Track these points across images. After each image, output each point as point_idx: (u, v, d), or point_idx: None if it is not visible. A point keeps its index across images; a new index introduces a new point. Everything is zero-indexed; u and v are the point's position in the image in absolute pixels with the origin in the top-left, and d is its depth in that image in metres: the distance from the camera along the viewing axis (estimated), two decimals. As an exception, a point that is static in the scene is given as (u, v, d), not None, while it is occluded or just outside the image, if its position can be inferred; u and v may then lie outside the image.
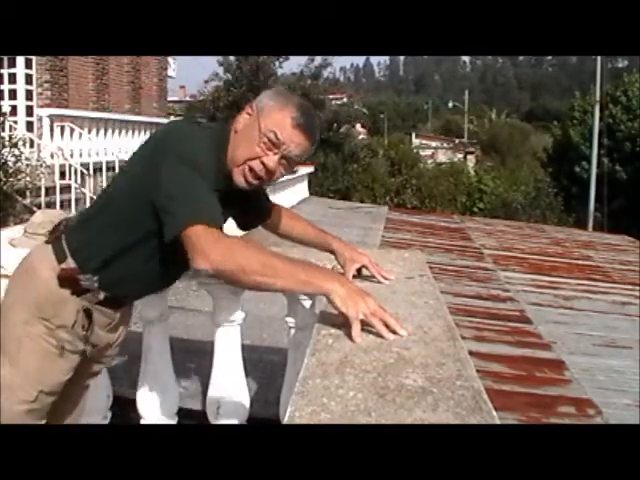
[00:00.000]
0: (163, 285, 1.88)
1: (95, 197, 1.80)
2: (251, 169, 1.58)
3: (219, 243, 1.38)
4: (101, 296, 1.67)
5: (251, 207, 1.80)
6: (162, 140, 1.59)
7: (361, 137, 23.50)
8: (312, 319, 2.08)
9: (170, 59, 18.29)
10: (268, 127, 1.55)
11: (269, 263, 1.37)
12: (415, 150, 28.79)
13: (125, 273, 1.66)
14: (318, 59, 15.93)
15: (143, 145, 1.68)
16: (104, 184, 11.07)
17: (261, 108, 1.59)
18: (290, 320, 2.45)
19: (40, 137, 11.11)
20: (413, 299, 1.62)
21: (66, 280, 1.64)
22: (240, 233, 1.88)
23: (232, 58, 15.12)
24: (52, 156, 10.25)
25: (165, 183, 1.47)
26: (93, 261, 1.64)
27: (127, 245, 1.62)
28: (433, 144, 42.97)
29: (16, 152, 8.89)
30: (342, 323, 1.37)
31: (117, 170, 10.89)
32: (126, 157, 11.58)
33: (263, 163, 1.57)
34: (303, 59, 16.95)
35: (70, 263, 1.64)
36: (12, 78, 11.66)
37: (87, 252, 1.65)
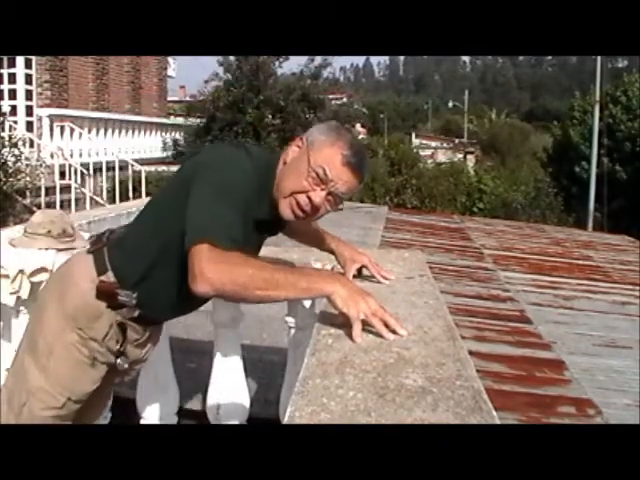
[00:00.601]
0: (196, 306, 1.85)
1: (139, 210, 1.78)
2: (297, 202, 1.56)
3: (219, 264, 1.35)
4: (136, 313, 1.67)
5: (275, 229, 1.78)
6: (203, 162, 1.58)
7: (361, 137, 23.48)
8: (312, 319, 2.08)
9: (170, 59, 18.31)
10: (318, 162, 1.54)
11: (269, 277, 1.36)
12: (415, 150, 28.75)
13: (161, 293, 1.66)
14: (318, 59, 15.89)
15: (187, 163, 1.69)
16: (104, 184, 11.09)
17: (312, 142, 1.57)
18: (290, 320, 2.45)
19: (40, 137, 11.13)
20: (413, 299, 1.62)
21: (104, 293, 1.63)
22: None
23: (232, 58, 15.09)
24: (52, 156, 10.27)
25: (191, 204, 1.46)
26: (132, 278, 1.64)
27: (164, 265, 1.61)
28: (433, 144, 42.94)
29: (16, 152, 8.90)
30: (342, 323, 1.37)
31: (117, 170, 10.90)
32: (126, 157, 11.61)
33: (309, 198, 1.55)
34: (303, 59, 16.92)
35: (110, 277, 1.64)
36: (12, 78, 11.67)
37: (127, 268, 1.65)
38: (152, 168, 11.63)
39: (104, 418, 2.53)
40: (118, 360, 1.71)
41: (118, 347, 1.69)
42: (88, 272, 1.65)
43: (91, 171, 10.54)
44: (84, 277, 1.66)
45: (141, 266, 1.64)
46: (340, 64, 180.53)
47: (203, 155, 1.66)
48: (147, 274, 1.63)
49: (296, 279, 1.38)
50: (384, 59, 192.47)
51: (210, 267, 1.35)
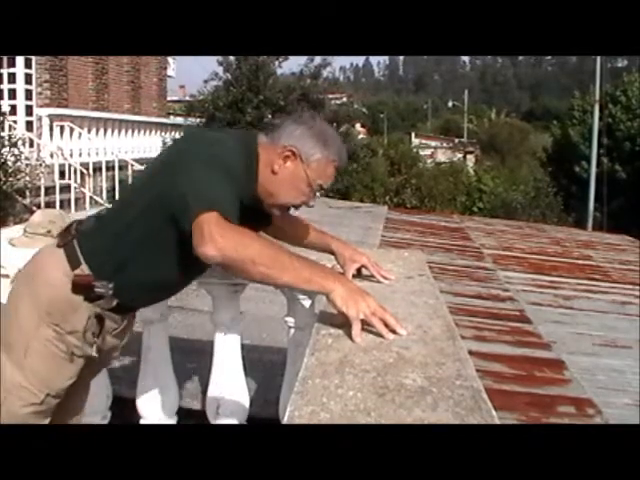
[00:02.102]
0: (174, 291, 1.86)
1: (110, 201, 1.79)
2: (294, 208, 1.69)
3: (231, 232, 1.37)
4: (113, 303, 1.66)
5: (261, 219, 1.80)
6: (185, 145, 1.61)
7: (361, 137, 23.47)
8: (312, 319, 2.08)
9: (170, 59, 18.30)
10: (317, 181, 1.65)
11: (277, 257, 1.38)
12: (415, 150, 28.73)
13: (138, 280, 1.65)
14: (318, 59, 15.89)
15: (164, 151, 1.70)
16: (104, 184, 11.09)
17: (307, 160, 1.63)
18: (290, 320, 2.45)
19: (40, 137, 11.12)
20: (413, 299, 1.62)
21: (80, 287, 1.62)
22: None
23: (232, 58, 15.09)
24: (52, 156, 10.26)
25: (187, 182, 1.47)
26: (107, 267, 1.63)
27: (142, 251, 1.61)
28: (433, 144, 42.94)
29: (16, 152, 8.89)
30: (342, 323, 1.37)
31: (117, 170, 10.90)
32: (126, 157, 11.61)
33: (305, 204, 1.69)
34: (303, 59, 16.93)
35: (85, 269, 1.62)
36: (12, 78, 11.66)
37: (101, 258, 1.64)
38: (152, 168, 11.59)
39: (104, 418, 2.53)
40: (93, 351, 1.69)
41: (95, 338, 1.67)
42: (60, 266, 1.63)
43: (91, 171, 10.52)
44: (56, 272, 1.64)
45: (117, 255, 1.63)
46: (340, 64, 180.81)
47: (185, 141, 1.68)
48: (123, 262, 1.62)
49: (300, 267, 1.39)
50: (384, 59, 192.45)
51: (221, 232, 1.36)
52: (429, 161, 27.94)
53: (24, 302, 1.66)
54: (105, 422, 2.53)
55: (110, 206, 1.77)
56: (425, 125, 63.57)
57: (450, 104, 71.27)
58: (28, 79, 11.82)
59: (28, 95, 11.79)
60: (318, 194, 1.70)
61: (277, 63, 15.74)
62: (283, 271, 1.37)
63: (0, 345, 1.67)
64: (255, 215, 1.66)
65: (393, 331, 1.33)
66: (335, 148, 1.67)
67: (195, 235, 1.38)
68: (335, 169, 1.67)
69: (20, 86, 11.68)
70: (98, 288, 1.62)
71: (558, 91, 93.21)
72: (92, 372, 1.84)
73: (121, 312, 1.72)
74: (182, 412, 2.57)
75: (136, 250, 1.62)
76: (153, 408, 2.50)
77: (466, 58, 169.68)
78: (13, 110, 11.14)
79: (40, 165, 9.61)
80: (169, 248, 1.59)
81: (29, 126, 11.46)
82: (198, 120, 15.33)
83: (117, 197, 1.86)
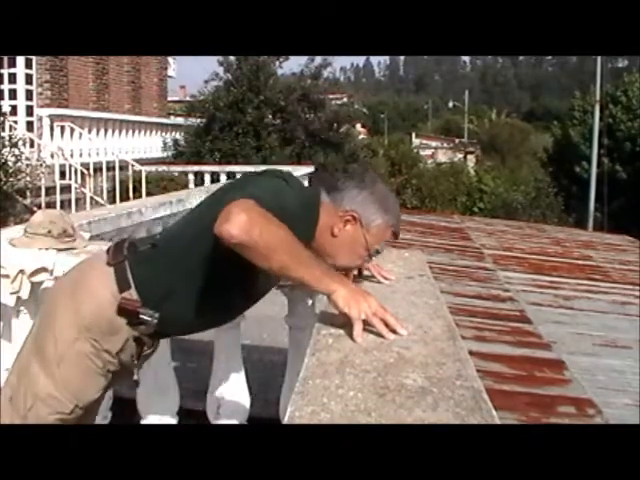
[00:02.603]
0: (212, 326, 1.87)
1: (166, 228, 1.79)
2: (348, 272, 1.70)
3: (259, 216, 1.38)
4: (154, 330, 1.64)
5: None
6: (246, 179, 1.64)
7: (361, 137, 23.47)
8: (312, 319, 2.08)
9: (170, 59, 18.30)
10: (374, 246, 1.66)
11: (298, 251, 1.40)
12: (415, 150, 28.78)
13: (183, 313, 1.64)
14: (318, 59, 15.91)
15: (224, 185, 1.72)
16: (104, 184, 11.09)
17: (367, 225, 1.64)
18: (290, 320, 2.45)
19: (40, 137, 11.12)
20: (413, 299, 1.62)
21: (126, 311, 1.60)
22: None
23: (232, 58, 15.10)
24: (52, 156, 10.27)
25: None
26: (155, 295, 1.61)
27: (191, 284, 1.60)
28: (433, 144, 42.93)
29: (16, 152, 8.90)
30: (342, 323, 1.37)
31: (117, 170, 10.90)
32: (127, 157, 11.61)
33: (360, 267, 1.74)
34: (303, 59, 16.94)
35: (133, 294, 1.60)
36: (12, 78, 11.67)
37: (151, 285, 1.62)
38: (152, 168, 11.61)
39: (104, 418, 2.53)
40: (135, 375, 1.70)
41: (131, 360, 1.67)
42: (108, 286, 1.61)
43: (91, 171, 10.53)
44: (103, 290, 1.62)
45: (167, 285, 1.61)
46: (340, 64, 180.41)
47: (250, 177, 1.68)
48: (172, 293, 1.61)
49: (314, 265, 1.41)
50: (384, 59, 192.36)
51: (249, 214, 1.37)
52: (430, 161, 27.97)
53: (64, 312, 1.64)
54: (105, 422, 2.53)
55: (165, 231, 1.76)
56: (426, 125, 63.56)
57: (451, 104, 71.29)
58: (29, 79, 11.82)
59: (29, 95, 11.79)
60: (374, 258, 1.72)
61: (277, 63, 15.76)
62: (300, 265, 1.39)
63: (33, 350, 1.67)
64: None
65: (394, 331, 1.33)
66: (394, 213, 1.69)
67: (220, 216, 1.38)
68: (392, 234, 1.70)
69: (21, 86, 11.68)
70: (143, 315, 1.60)
71: (558, 91, 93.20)
72: (112, 385, 1.84)
73: (157, 337, 1.72)
74: (182, 412, 2.57)
75: (186, 284, 1.61)
76: (153, 408, 2.50)
77: (466, 58, 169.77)
78: (14, 110, 11.15)
79: (41, 165, 9.62)
80: (215, 282, 1.59)
81: (30, 126, 11.46)
82: (198, 120, 15.33)
83: (172, 226, 1.81)
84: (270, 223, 1.38)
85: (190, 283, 1.61)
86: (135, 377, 1.71)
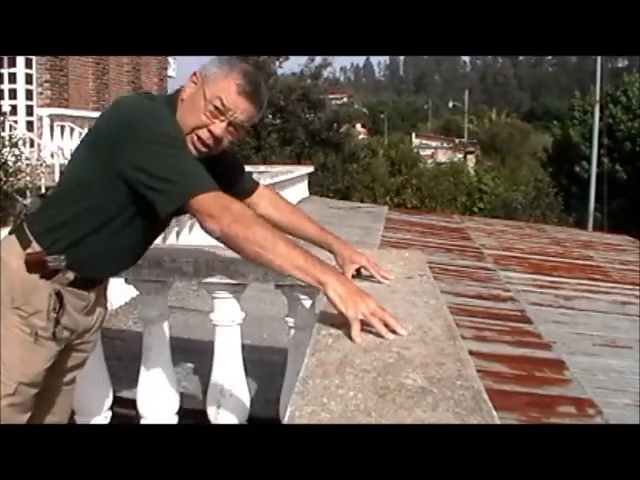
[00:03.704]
0: (133, 260, 1.84)
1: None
2: (199, 137, 1.61)
3: (230, 209, 1.44)
4: (70, 276, 1.65)
5: (221, 177, 1.73)
6: (127, 119, 1.57)
7: (361, 137, 23.50)
8: (312, 319, 2.08)
9: (170, 59, 18.30)
10: (214, 94, 1.58)
11: (272, 239, 1.41)
12: (415, 150, 28.75)
13: (94, 251, 1.65)
14: (318, 59, 15.92)
15: (102, 123, 1.69)
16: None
17: (206, 76, 1.61)
18: (290, 320, 2.45)
19: (40, 137, 11.12)
20: (413, 299, 1.62)
21: (33, 264, 1.62)
22: None
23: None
24: (52, 156, 10.26)
25: (150, 165, 1.48)
26: (59, 243, 1.63)
27: (95, 223, 1.62)
28: (433, 144, 42.94)
29: (16, 152, 8.89)
30: (342, 323, 1.36)
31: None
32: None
33: (210, 131, 1.60)
34: (303, 59, 16.96)
35: (35, 247, 1.63)
36: (12, 78, 11.67)
37: (53, 235, 1.64)
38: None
39: (104, 418, 2.53)
40: (63, 332, 1.68)
41: (56, 315, 1.65)
42: (14, 251, 1.64)
43: (91, 171, 10.53)
44: (12, 257, 1.64)
45: (71, 228, 1.63)
46: (340, 64, 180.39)
47: (116, 113, 1.66)
48: (74, 236, 1.62)
49: (296, 255, 1.40)
50: (384, 59, 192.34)
51: (223, 211, 1.43)
52: (429, 161, 27.97)
53: None
54: (105, 422, 2.53)
55: (56, 185, 1.77)
56: (425, 125, 63.58)
57: (450, 104, 71.23)
58: (29, 79, 11.82)
59: (29, 95, 11.80)
60: (232, 129, 1.62)
61: (277, 63, 15.77)
62: (276, 254, 1.40)
63: None
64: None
65: (393, 331, 1.33)
66: (240, 69, 1.61)
67: (196, 213, 1.46)
68: (239, 92, 1.58)
69: (21, 86, 11.69)
70: (50, 262, 1.62)
71: (558, 91, 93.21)
72: (72, 361, 1.81)
73: (84, 286, 1.70)
74: (182, 412, 2.57)
75: (86, 224, 1.62)
76: (153, 408, 2.50)
77: (466, 58, 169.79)
78: (14, 110, 11.15)
79: (41, 165, 9.61)
80: (121, 217, 1.61)
81: (30, 126, 11.47)
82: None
83: (62, 175, 1.83)
84: (243, 215, 1.44)
85: (89, 224, 1.62)
86: (59, 332, 1.66)
